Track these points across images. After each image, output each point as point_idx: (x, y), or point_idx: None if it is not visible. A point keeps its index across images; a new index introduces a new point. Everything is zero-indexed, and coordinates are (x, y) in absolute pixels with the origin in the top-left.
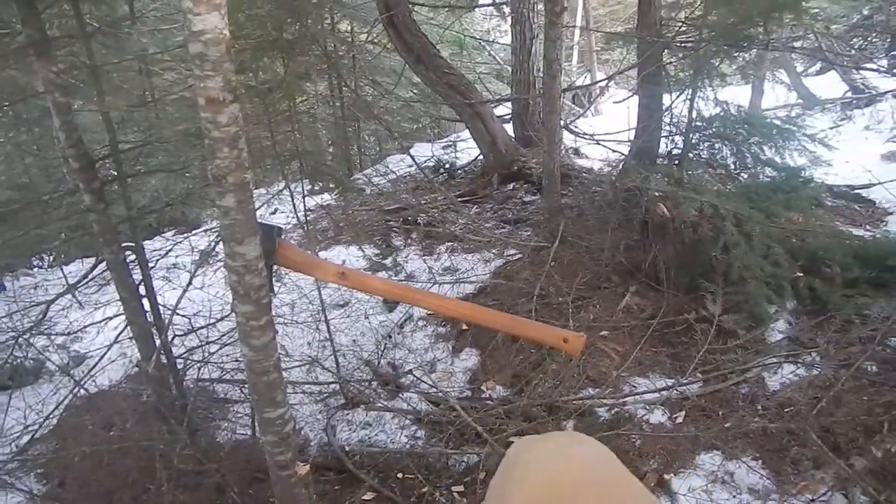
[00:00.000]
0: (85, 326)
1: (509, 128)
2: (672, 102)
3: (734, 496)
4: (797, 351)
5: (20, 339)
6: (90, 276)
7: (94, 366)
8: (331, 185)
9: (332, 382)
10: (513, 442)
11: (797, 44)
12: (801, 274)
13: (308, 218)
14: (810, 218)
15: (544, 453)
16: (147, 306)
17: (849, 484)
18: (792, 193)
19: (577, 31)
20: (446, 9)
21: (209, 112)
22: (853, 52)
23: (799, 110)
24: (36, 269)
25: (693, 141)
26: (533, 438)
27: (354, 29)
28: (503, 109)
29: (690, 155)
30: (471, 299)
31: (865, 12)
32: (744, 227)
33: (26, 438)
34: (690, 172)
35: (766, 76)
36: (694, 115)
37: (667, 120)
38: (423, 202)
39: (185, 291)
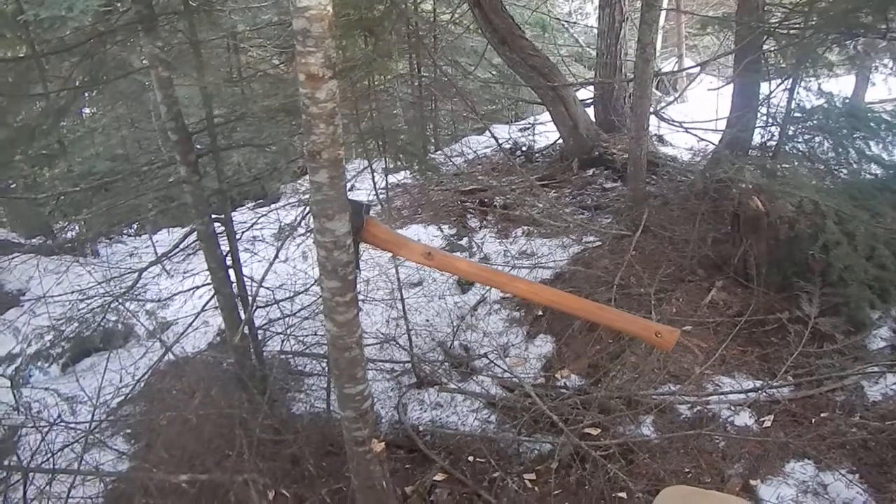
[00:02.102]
0: (174, 294)
1: (590, 112)
2: (771, 92)
3: None
4: None
5: (113, 304)
6: (180, 246)
7: (183, 332)
8: (408, 164)
9: (405, 361)
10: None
11: None
12: None
13: (387, 195)
14: None
15: None
16: (233, 277)
17: None
18: None
19: (664, 15)
20: None
21: (308, 88)
22: None
23: None
24: (125, 237)
25: (790, 133)
26: (690, 494)
27: (437, 9)
28: (584, 93)
29: (786, 147)
30: (548, 285)
31: None
32: (846, 226)
33: (118, 400)
34: (786, 165)
35: (874, 66)
36: (793, 105)
37: (763, 110)
38: (501, 184)
39: (271, 264)
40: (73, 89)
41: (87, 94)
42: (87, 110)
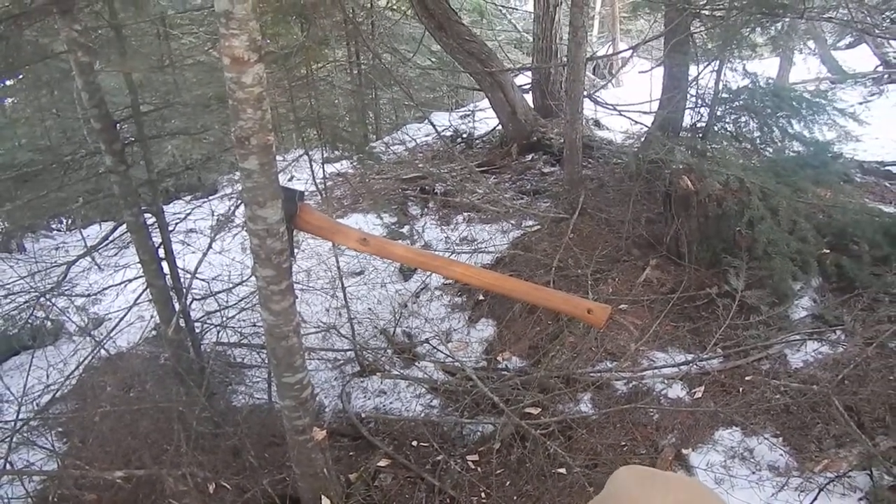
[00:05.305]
0: (104, 288)
1: (529, 98)
2: (699, 73)
3: (753, 472)
4: (821, 328)
5: (41, 300)
6: (111, 238)
7: (114, 327)
8: (347, 153)
9: (347, 350)
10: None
11: (829, 14)
12: (828, 251)
13: (325, 185)
14: (839, 194)
15: None
16: (166, 269)
17: (873, 462)
18: (820, 168)
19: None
20: None
21: (234, 72)
22: (886, 24)
23: (827, 84)
24: (55, 232)
25: (718, 113)
26: (647, 477)
27: None
28: (523, 79)
29: (715, 128)
30: (488, 269)
31: None
32: (770, 202)
33: (47, 398)
34: (715, 146)
35: (795, 48)
36: (720, 86)
37: (692, 91)
38: (440, 171)
39: (205, 255)
40: None
41: (5, 82)
42: (8, 100)
